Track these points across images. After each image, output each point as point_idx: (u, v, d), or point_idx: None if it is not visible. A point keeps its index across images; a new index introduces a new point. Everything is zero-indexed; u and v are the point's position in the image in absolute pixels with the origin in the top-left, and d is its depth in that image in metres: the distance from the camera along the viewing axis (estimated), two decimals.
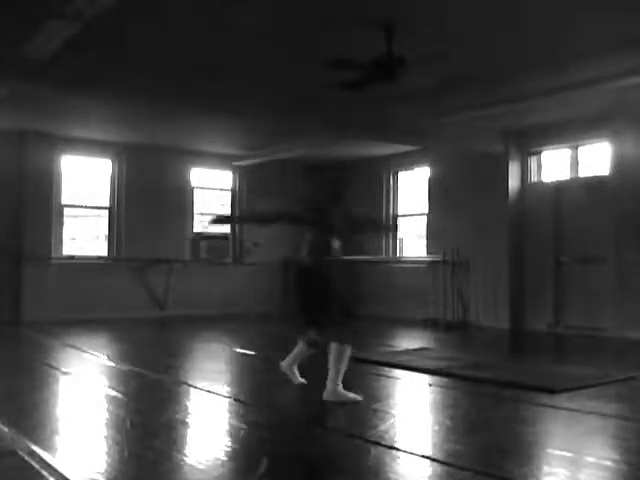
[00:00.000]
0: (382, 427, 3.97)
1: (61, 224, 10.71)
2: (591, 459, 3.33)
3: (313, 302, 4.92)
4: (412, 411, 4.58)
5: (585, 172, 9.39)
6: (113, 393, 4.94)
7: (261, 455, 3.26)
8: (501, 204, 9.83)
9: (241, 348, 7.53)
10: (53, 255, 10.43)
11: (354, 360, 6.41)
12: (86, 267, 10.71)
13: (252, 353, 7.18)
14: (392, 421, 4.21)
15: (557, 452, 3.46)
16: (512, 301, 9.75)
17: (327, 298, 4.81)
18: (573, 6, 5.26)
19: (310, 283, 4.92)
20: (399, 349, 7.48)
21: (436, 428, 4.14)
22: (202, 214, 12.20)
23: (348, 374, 5.85)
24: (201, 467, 3.14)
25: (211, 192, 12.47)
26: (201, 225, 12.21)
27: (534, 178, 9.90)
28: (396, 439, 3.78)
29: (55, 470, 3.04)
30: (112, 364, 6.34)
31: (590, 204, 9.06)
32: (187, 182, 11.81)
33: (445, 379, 5.51)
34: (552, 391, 4.90)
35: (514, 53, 6.40)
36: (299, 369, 5.22)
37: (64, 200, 10.74)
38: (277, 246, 12.20)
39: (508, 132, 9.70)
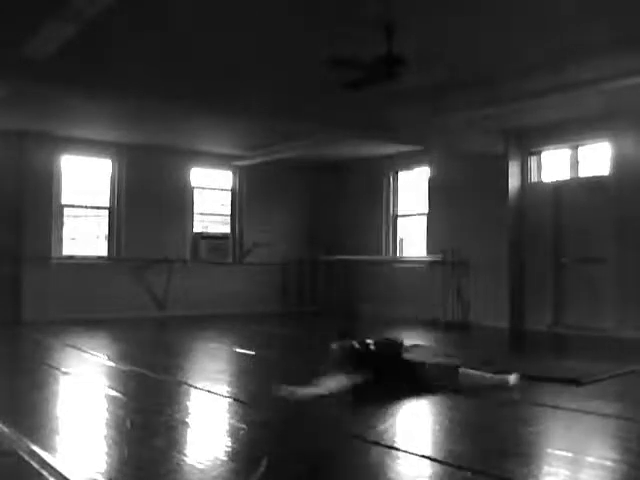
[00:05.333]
0: (382, 427, 3.97)
1: (61, 224, 10.70)
2: (591, 459, 3.33)
3: None
4: (412, 411, 4.58)
5: (585, 172, 9.39)
6: (113, 393, 4.94)
7: (261, 455, 3.26)
8: (501, 204, 9.83)
9: (241, 348, 7.53)
10: (53, 255, 10.43)
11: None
12: (86, 267, 10.71)
13: (252, 353, 7.18)
14: (392, 421, 4.21)
15: (557, 452, 3.46)
16: (512, 301, 9.75)
17: None
18: (573, 6, 5.26)
19: None
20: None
21: (436, 428, 4.14)
22: (202, 214, 12.22)
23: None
24: (201, 467, 3.14)
25: (211, 192, 12.48)
26: (201, 225, 12.22)
27: (534, 178, 9.90)
28: (396, 439, 3.78)
29: (55, 470, 3.04)
30: (112, 364, 6.34)
31: (590, 204, 9.07)
32: (187, 182, 11.81)
33: None
34: (561, 381, 5.02)
35: (514, 53, 6.40)
36: None
37: (64, 200, 10.74)
38: (277, 246, 12.24)
39: (508, 132, 9.70)
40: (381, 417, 4.29)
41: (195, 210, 11.99)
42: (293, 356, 7.30)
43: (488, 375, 5.08)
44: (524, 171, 9.89)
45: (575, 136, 9.23)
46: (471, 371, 5.12)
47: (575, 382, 5.19)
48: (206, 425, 4.13)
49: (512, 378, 5.06)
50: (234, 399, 4.74)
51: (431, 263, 10.76)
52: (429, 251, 11.07)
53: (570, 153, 9.53)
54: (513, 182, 9.83)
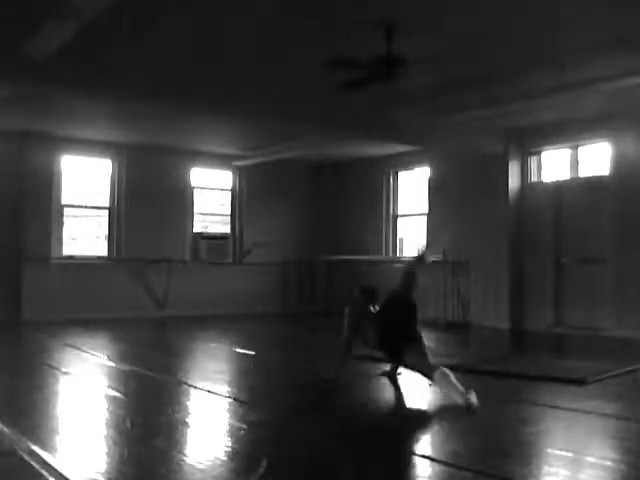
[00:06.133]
0: (382, 427, 3.96)
1: (61, 224, 10.71)
2: (591, 459, 3.33)
3: None
4: (412, 411, 4.58)
5: (585, 172, 9.39)
6: (113, 393, 4.94)
7: (261, 455, 3.26)
8: (501, 204, 9.83)
9: (241, 348, 7.53)
10: (53, 255, 10.43)
11: (356, 359, 6.44)
12: (86, 267, 10.71)
13: (252, 353, 7.18)
14: (392, 421, 4.20)
15: (557, 452, 3.46)
16: (512, 301, 9.75)
17: None
18: (573, 6, 5.26)
19: None
20: None
21: (436, 428, 4.14)
22: (202, 214, 12.23)
23: (349, 374, 5.86)
24: (201, 467, 3.14)
25: (211, 192, 12.48)
26: (201, 225, 12.22)
27: (534, 178, 9.90)
28: (395, 439, 3.78)
29: (55, 470, 3.04)
30: (112, 364, 6.34)
31: (590, 204, 9.07)
32: (187, 182, 11.81)
33: None
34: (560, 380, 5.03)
35: (514, 53, 6.40)
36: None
37: (64, 200, 10.74)
38: (277, 246, 12.23)
39: (508, 132, 9.70)
40: (382, 417, 4.29)
41: (195, 210, 12.00)
42: (293, 356, 7.30)
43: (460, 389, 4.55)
44: (524, 171, 9.89)
45: (575, 136, 9.23)
46: (452, 376, 4.65)
47: (579, 382, 5.20)
48: (206, 425, 4.13)
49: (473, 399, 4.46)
50: (234, 399, 4.74)
51: (431, 263, 10.74)
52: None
53: (570, 153, 9.53)
54: (513, 182, 9.83)
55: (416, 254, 5.92)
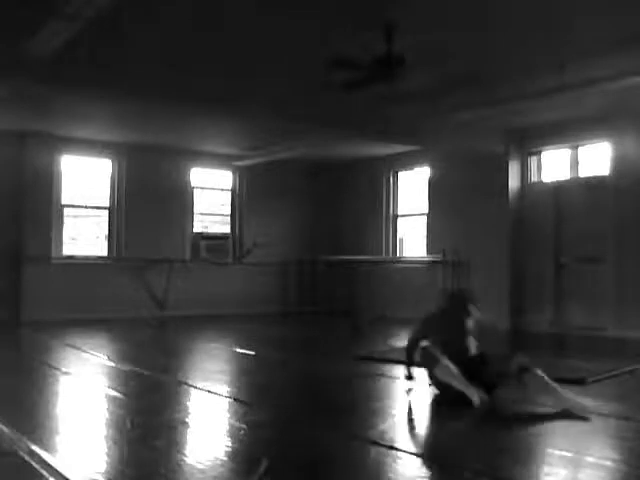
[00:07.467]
0: (382, 427, 3.96)
1: (61, 224, 10.71)
2: (591, 459, 3.33)
3: None
4: (412, 411, 4.58)
5: (585, 172, 9.39)
6: (113, 393, 4.94)
7: (261, 455, 3.26)
8: (501, 204, 9.83)
9: (241, 348, 7.53)
10: (53, 255, 10.43)
11: (356, 359, 6.44)
12: (86, 267, 10.71)
13: (252, 353, 7.18)
14: (392, 421, 4.20)
15: (557, 452, 3.46)
16: (512, 301, 9.75)
17: None
18: (573, 6, 5.27)
19: None
20: (400, 347, 7.45)
21: (436, 428, 4.14)
22: (202, 214, 12.23)
23: (350, 375, 5.87)
24: (201, 467, 3.13)
25: (211, 192, 12.48)
26: (201, 225, 12.22)
27: (534, 178, 9.90)
28: (396, 439, 3.78)
29: (55, 470, 3.03)
30: (112, 364, 6.34)
31: (590, 204, 9.07)
32: (187, 182, 11.81)
33: None
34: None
35: (514, 53, 6.40)
36: None
37: (64, 200, 10.74)
38: (277, 246, 12.23)
39: (508, 132, 9.70)
40: (381, 417, 4.29)
41: (195, 210, 12.00)
42: (293, 356, 7.30)
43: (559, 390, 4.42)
44: (524, 171, 9.89)
45: (575, 136, 9.23)
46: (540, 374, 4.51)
47: (579, 382, 5.20)
48: (206, 425, 4.13)
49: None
50: (234, 399, 4.74)
51: (431, 263, 10.76)
52: (429, 251, 11.07)
53: (570, 153, 9.53)
54: (513, 182, 9.83)
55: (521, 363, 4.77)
